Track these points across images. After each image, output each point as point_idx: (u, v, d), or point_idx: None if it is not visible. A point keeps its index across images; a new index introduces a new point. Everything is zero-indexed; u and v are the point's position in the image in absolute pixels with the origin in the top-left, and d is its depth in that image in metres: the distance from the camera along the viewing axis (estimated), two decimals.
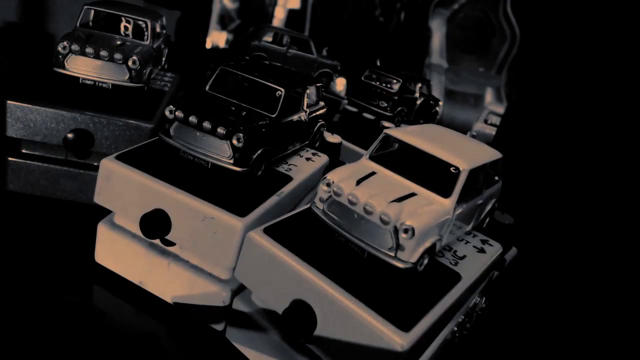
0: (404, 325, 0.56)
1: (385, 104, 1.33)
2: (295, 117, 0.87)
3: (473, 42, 1.85)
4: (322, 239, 0.67)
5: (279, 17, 2.07)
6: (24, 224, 0.89)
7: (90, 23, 1.02)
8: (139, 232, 0.72)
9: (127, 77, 0.95)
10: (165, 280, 0.76)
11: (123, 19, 1.02)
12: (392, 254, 0.61)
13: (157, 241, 0.75)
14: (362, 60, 1.80)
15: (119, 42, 0.98)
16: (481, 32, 1.83)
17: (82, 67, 0.93)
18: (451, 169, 0.68)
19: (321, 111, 0.97)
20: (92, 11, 1.02)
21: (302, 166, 0.89)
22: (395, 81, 1.36)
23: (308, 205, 0.72)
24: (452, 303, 0.64)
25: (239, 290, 0.73)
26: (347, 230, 0.65)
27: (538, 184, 1.28)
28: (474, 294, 0.76)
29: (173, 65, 1.24)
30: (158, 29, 1.09)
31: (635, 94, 1.20)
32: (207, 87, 0.85)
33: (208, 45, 1.94)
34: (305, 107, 0.90)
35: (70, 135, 0.88)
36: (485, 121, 1.78)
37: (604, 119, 1.24)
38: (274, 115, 0.81)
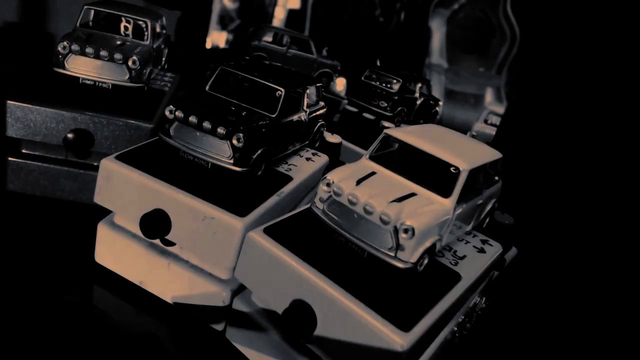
0: (404, 325, 0.56)
1: (385, 104, 1.33)
2: (295, 117, 0.87)
3: (473, 42, 1.85)
4: (322, 239, 0.67)
5: (279, 17, 2.07)
6: (24, 224, 0.89)
7: (90, 23, 1.02)
8: (139, 232, 0.72)
9: (127, 77, 0.95)
10: (165, 280, 0.76)
11: (123, 19, 1.02)
12: (392, 254, 0.61)
13: (157, 241, 0.75)
14: (362, 60, 1.80)
15: (119, 42, 0.98)
16: (481, 32, 1.82)
17: (82, 67, 0.93)
18: (451, 169, 0.68)
19: (321, 111, 0.97)
20: (92, 11, 1.02)
21: (302, 166, 0.89)
22: (395, 81, 1.36)
23: (308, 205, 0.72)
24: (452, 303, 0.64)
25: (239, 290, 0.73)
26: (347, 230, 0.65)
27: (538, 184, 1.28)
28: (474, 294, 0.76)
29: (173, 65, 1.24)
30: (158, 29, 1.09)
31: (635, 94, 1.20)
32: (207, 87, 0.85)
33: (208, 45, 1.94)
34: (305, 107, 0.90)
35: (70, 135, 0.88)
36: (485, 121, 1.77)
37: (604, 119, 1.24)
38: (274, 115, 0.81)
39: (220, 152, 0.75)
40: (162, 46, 1.15)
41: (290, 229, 0.69)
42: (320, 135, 0.99)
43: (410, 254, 0.61)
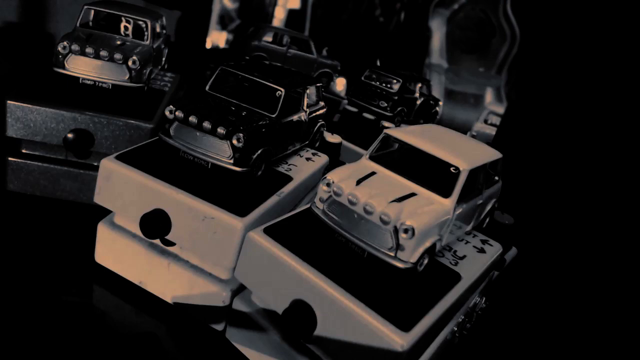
0: (404, 325, 0.56)
1: (385, 104, 1.33)
2: (295, 117, 0.87)
3: (473, 42, 1.85)
4: (322, 239, 0.67)
5: (279, 17, 2.07)
6: (24, 224, 0.89)
7: (90, 23, 1.02)
8: (139, 232, 0.72)
9: (127, 77, 0.95)
10: (165, 280, 0.76)
11: (123, 19, 1.02)
12: (392, 254, 0.61)
13: (157, 241, 0.75)
14: (362, 60, 1.80)
15: (119, 42, 0.98)
16: (481, 32, 1.82)
17: (82, 67, 0.93)
18: (451, 169, 0.68)
19: (321, 111, 0.97)
20: (92, 11, 1.02)
21: (302, 166, 0.89)
22: (395, 81, 1.36)
23: (308, 205, 0.72)
24: (452, 303, 0.64)
25: (239, 290, 0.73)
26: (347, 230, 0.65)
27: (538, 184, 1.28)
28: (474, 294, 0.76)
29: (173, 65, 1.24)
30: (158, 29, 1.09)
31: (635, 94, 1.20)
32: (207, 87, 0.85)
33: (208, 45, 1.94)
34: (305, 107, 0.90)
35: (70, 135, 0.88)
36: (485, 121, 1.78)
37: (604, 119, 1.24)
38: (274, 115, 0.81)
39: (220, 152, 0.75)
40: (162, 46, 1.15)
41: (290, 229, 0.69)
42: (320, 135, 0.99)
43: (410, 254, 0.61)
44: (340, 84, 1.85)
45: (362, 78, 1.39)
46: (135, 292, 0.78)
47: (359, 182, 0.66)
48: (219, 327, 0.74)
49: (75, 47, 0.91)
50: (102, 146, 0.90)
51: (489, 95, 1.87)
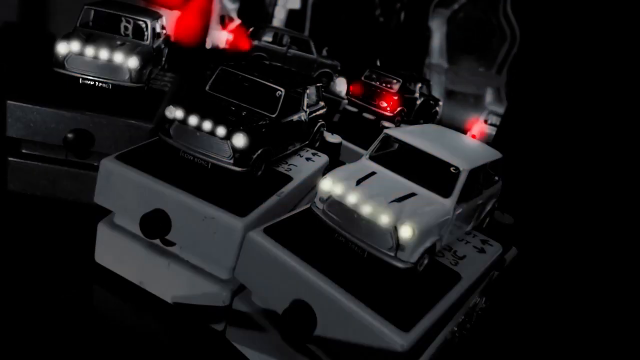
0: (404, 325, 0.56)
1: (385, 104, 1.33)
2: (295, 117, 0.87)
3: (473, 42, 1.85)
4: (322, 239, 0.67)
5: (279, 17, 2.07)
6: (24, 224, 0.89)
7: (90, 23, 1.02)
8: (139, 232, 0.72)
9: (127, 77, 0.95)
10: (165, 280, 0.76)
11: (123, 19, 1.03)
12: (392, 254, 0.61)
13: (157, 241, 0.75)
14: (362, 60, 1.80)
15: (119, 42, 0.98)
16: (481, 32, 1.82)
17: (82, 67, 0.93)
18: (451, 169, 0.68)
19: (321, 111, 0.97)
20: (92, 11, 1.02)
21: (302, 166, 0.89)
22: (395, 81, 1.36)
23: (308, 205, 0.72)
24: (452, 303, 0.64)
25: (239, 290, 0.73)
26: (347, 230, 0.65)
27: (538, 184, 1.28)
28: (474, 294, 0.76)
29: (173, 65, 1.24)
30: (158, 29, 1.09)
31: (635, 94, 1.20)
32: (207, 87, 0.85)
33: (208, 45, 1.94)
34: (305, 107, 0.90)
35: (70, 135, 0.88)
36: (485, 121, 1.78)
37: (604, 119, 1.24)
38: (274, 115, 0.81)
39: (220, 152, 0.75)
40: (162, 46, 1.15)
41: (290, 229, 0.69)
42: (320, 135, 0.99)
43: (410, 254, 0.61)
44: (340, 84, 1.85)
45: (362, 78, 1.39)
46: (135, 292, 0.78)
47: (359, 182, 0.66)
48: (219, 327, 0.74)
49: (75, 47, 0.91)
50: (102, 146, 0.90)
51: (489, 95, 1.87)
